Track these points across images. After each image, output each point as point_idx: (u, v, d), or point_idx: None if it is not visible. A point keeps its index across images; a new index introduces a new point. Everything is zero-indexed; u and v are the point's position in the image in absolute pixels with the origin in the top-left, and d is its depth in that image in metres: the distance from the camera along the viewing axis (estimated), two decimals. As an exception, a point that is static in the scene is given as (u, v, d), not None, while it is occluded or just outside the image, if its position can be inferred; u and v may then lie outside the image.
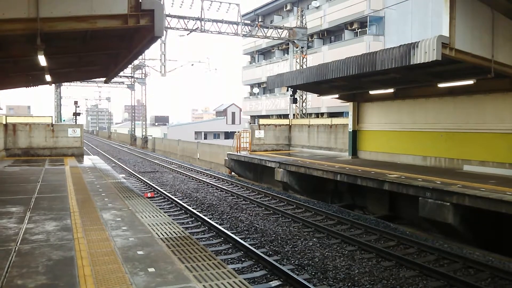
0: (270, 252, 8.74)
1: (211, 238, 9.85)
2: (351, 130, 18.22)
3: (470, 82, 11.55)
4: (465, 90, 13.03)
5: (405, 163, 15.45)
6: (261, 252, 8.40)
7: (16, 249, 5.12)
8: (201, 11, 23.61)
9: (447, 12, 9.59)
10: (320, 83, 16.01)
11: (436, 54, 9.27)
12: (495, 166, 12.40)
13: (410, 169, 13.56)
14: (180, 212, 12.75)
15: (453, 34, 9.60)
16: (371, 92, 15.51)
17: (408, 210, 12.12)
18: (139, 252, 5.06)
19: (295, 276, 7.00)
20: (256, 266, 7.88)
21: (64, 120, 52.62)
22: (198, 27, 23.52)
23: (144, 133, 49.08)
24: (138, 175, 20.83)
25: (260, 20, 43.05)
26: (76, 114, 31.43)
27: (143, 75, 47.60)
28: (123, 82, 50.40)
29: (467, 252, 8.71)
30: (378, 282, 7.17)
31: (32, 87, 18.66)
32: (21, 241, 5.46)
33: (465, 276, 7.42)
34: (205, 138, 64.35)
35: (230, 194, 15.80)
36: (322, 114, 33.35)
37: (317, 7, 34.47)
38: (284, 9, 40.00)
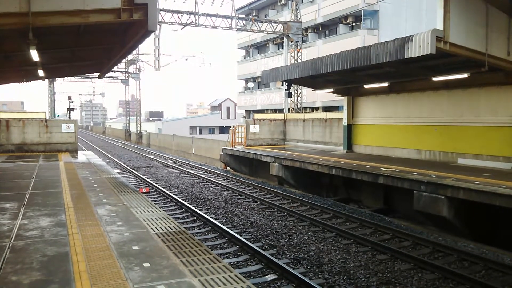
0: (266, 246, 8.75)
1: (206, 233, 9.85)
2: (346, 124, 18.24)
3: (464, 75, 11.58)
4: (459, 84, 13.07)
5: (400, 156, 15.51)
6: (257, 246, 8.42)
7: (10, 245, 5.09)
8: (195, 5, 23.47)
9: (441, 5, 9.59)
10: (315, 77, 16.00)
11: (430, 48, 9.26)
12: (489, 159, 12.47)
13: (405, 162, 13.62)
14: (175, 207, 12.73)
15: (447, 27, 9.59)
16: (366, 86, 15.53)
17: (403, 204, 12.19)
18: (134, 247, 5.05)
19: (290, 269, 7.02)
20: (251, 260, 7.90)
21: (58, 116, 52.32)
22: (192, 22, 23.38)
23: (138, 128, 48.91)
24: (133, 171, 20.77)
25: (254, 14, 42.86)
26: (70, 110, 31.28)
27: (137, 70, 47.36)
28: (117, 77, 50.17)
29: (461, 245, 8.77)
30: (373, 275, 7.21)
31: (25, 82, 18.52)
32: (15, 237, 5.43)
33: (459, 269, 7.48)
34: (200, 133, 64.25)
35: (225, 189, 15.80)
36: (317, 108, 33.36)
37: (311, 1, 34.37)
38: (279, 3, 39.84)
